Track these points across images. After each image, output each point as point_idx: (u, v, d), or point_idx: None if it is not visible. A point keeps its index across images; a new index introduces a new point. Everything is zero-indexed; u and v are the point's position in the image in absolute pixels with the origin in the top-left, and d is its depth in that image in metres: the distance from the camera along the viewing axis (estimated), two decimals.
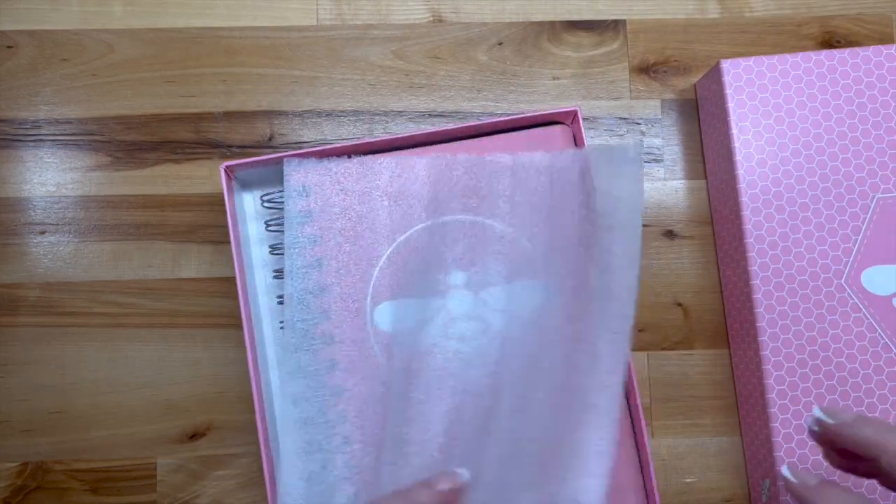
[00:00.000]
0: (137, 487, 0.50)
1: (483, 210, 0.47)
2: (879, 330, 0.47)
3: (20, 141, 0.52)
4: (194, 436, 0.51)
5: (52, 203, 0.52)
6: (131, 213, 0.52)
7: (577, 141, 0.48)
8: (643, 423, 0.46)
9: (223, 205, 0.52)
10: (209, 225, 0.52)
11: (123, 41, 0.54)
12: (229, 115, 0.54)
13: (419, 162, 0.48)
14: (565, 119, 0.49)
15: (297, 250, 0.47)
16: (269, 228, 0.48)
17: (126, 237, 0.52)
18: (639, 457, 0.47)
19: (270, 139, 0.53)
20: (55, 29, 0.54)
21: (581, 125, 0.47)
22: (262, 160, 0.46)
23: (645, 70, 0.55)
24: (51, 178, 0.52)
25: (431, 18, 0.55)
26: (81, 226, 0.52)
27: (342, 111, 0.54)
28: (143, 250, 0.52)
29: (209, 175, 0.53)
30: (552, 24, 0.55)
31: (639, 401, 0.46)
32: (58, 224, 0.52)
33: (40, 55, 0.53)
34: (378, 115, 0.54)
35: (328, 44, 0.54)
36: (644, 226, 0.53)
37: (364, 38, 0.54)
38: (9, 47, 0.54)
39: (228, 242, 0.52)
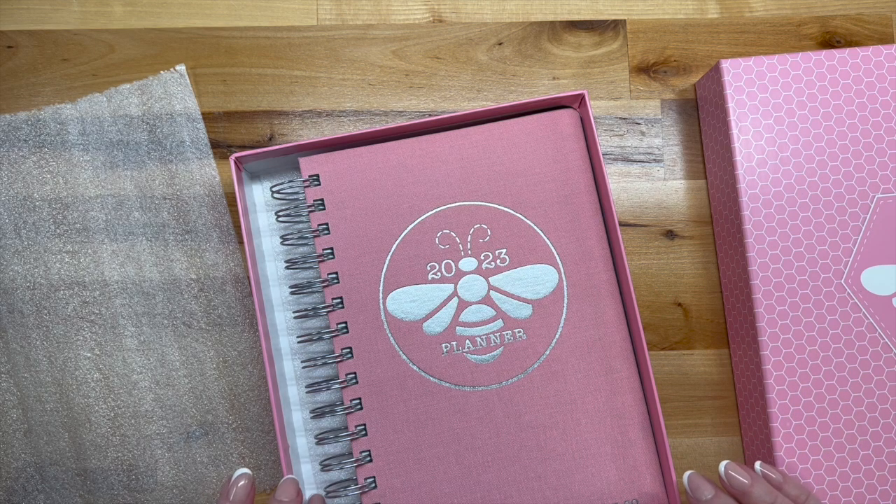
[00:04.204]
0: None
1: (493, 195, 0.47)
2: (879, 330, 0.47)
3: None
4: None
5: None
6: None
7: (585, 124, 0.48)
8: (661, 415, 0.45)
9: (224, 204, 0.52)
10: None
11: (123, 41, 0.54)
12: (229, 115, 0.54)
13: (432, 149, 0.48)
14: (573, 103, 0.49)
15: (309, 239, 0.48)
16: (280, 219, 0.48)
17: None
18: (655, 444, 0.47)
19: (270, 139, 0.53)
20: (55, 29, 0.54)
21: (590, 108, 0.47)
22: (272, 150, 0.47)
23: (645, 70, 0.55)
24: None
25: (431, 18, 0.55)
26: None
27: (342, 111, 0.54)
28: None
29: (211, 174, 0.53)
30: (552, 24, 0.55)
31: (656, 395, 0.45)
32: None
33: (40, 55, 0.54)
34: (378, 115, 0.54)
35: (328, 44, 0.54)
36: (644, 226, 0.53)
37: (364, 38, 0.54)
38: (9, 47, 0.54)
39: (233, 241, 0.52)
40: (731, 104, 0.49)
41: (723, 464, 0.43)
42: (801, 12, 0.55)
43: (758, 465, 0.44)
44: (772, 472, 0.43)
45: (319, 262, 0.47)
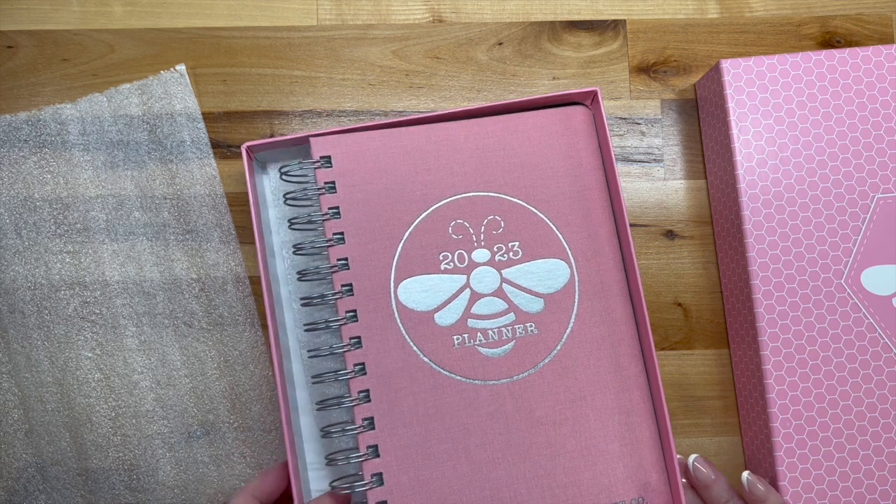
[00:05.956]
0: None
1: (507, 187, 0.47)
2: (879, 330, 0.47)
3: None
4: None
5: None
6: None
7: (597, 121, 0.48)
8: (666, 414, 0.45)
9: (225, 204, 0.52)
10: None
11: (123, 41, 0.54)
12: (229, 115, 0.54)
13: (446, 136, 0.47)
14: (585, 99, 0.49)
15: (318, 224, 0.46)
16: (288, 202, 0.47)
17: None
18: (661, 442, 0.47)
19: (271, 138, 0.53)
20: (55, 29, 0.54)
21: (602, 106, 0.47)
22: (283, 140, 0.46)
23: (645, 70, 0.55)
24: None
25: (431, 18, 0.55)
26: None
27: (342, 111, 0.54)
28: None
29: (212, 174, 0.53)
30: (552, 24, 0.55)
31: (662, 394, 0.45)
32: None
33: (40, 55, 0.54)
34: (378, 115, 0.54)
35: (328, 44, 0.54)
36: (644, 226, 0.54)
37: (364, 38, 0.55)
38: (9, 47, 0.54)
39: (234, 240, 0.52)
40: (731, 104, 0.49)
41: (692, 456, 0.46)
42: (801, 12, 0.55)
43: (691, 458, 0.46)
44: (703, 468, 0.45)
45: (329, 246, 0.46)
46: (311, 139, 0.47)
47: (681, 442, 0.52)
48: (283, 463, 0.45)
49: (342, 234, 0.46)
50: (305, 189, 0.46)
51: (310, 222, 0.46)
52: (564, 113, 0.48)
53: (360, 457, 0.44)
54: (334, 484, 0.44)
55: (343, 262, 0.46)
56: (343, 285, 0.45)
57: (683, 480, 0.45)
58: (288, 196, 0.47)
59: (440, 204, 0.47)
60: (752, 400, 0.49)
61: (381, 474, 0.44)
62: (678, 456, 0.45)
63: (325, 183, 0.46)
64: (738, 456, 0.52)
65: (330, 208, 0.46)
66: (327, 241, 0.46)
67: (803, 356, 0.47)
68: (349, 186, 0.46)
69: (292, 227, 0.46)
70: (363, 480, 0.44)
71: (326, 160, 0.46)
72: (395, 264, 0.46)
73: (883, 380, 0.47)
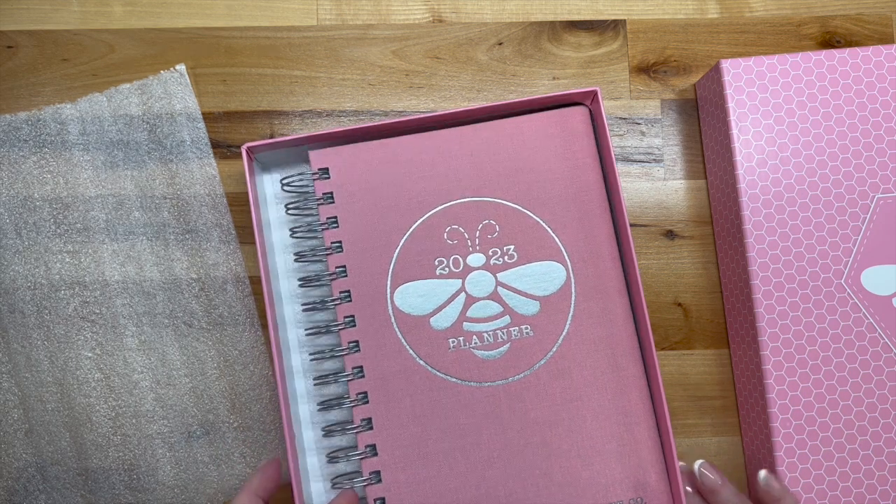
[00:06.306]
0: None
1: (502, 192, 0.48)
2: (879, 330, 0.47)
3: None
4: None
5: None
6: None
7: (596, 121, 0.48)
8: (667, 414, 0.45)
9: (225, 203, 0.52)
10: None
11: (123, 41, 0.54)
12: (229, 115, 0.54)
13: (441, 144, 0.48)
14: (585, 100, 0.49)
15: (318, 232, 0.48)
16: (290, 212, 0.48)
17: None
18: (661, 443, 0.47)
19: (271, 139, 0.53)
20: (55, 29, 0.54)
21: (602, 105, 0.47)
22: (284, 141, 0.46)
23: (645, 70, 0.55)
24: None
25: (431, 18, 0.55)
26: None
27: (342, 111, 0.54)
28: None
29: (212, 174, 0.53)
30: (552, 24, 0.55)
31: (663, 394, 0.45)
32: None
33: (40, 55, 0.54)
34: (378, 115, 0.54)
35: (328, 44, 0.54)
36: (644, 226, 0.54)
37: (364, 38, 0.55)
38: (9, 47, 0.54)
39: (234, 240, 0.52)
40: (731, 104, 0.49)
41: (698, 462, 0.46)
42: (801, 12, 0.55)
43: (697, 464, 0.46)
44: (710, 473, 0.45)
45: (328, 255, 0.47)
46: (310, 153, 0.48)
47: (681, 442, 0.52)
48: (275, 458, 0.45)
49: (340, 242, 0.47)
50: (306, 199, 0.48)
51: (310, 230, 0.48)
52: (561, 115, 0.48)
53: (359, 454, 0.45)
54: (335, 481, 0.45)
55: (341, 269, 0.47)
56: (341, 292, 0.47)
57: (688, 489, 0.45)
58: (290, 206, 0.48)
59: (435, 210, 0.47)
60: (752, 400, 0.49)
61: (378, 472, 0.45)
62: (681, 464, 0.46)
63: (324, 194, 0.47)
64: (738, 456, 0.52)
65: (328, 218, 0.47)
66: (326, 249, 0.47)
67: (803, 356, 0.47)
68: (346, 197, 0.47)
69: (294, 235, 0.48)
70: (362, 477, 0.45)
71: (325, 172, 0.47)
72: (391, 271, 0.47)
73: (883, 380, 0.47)
